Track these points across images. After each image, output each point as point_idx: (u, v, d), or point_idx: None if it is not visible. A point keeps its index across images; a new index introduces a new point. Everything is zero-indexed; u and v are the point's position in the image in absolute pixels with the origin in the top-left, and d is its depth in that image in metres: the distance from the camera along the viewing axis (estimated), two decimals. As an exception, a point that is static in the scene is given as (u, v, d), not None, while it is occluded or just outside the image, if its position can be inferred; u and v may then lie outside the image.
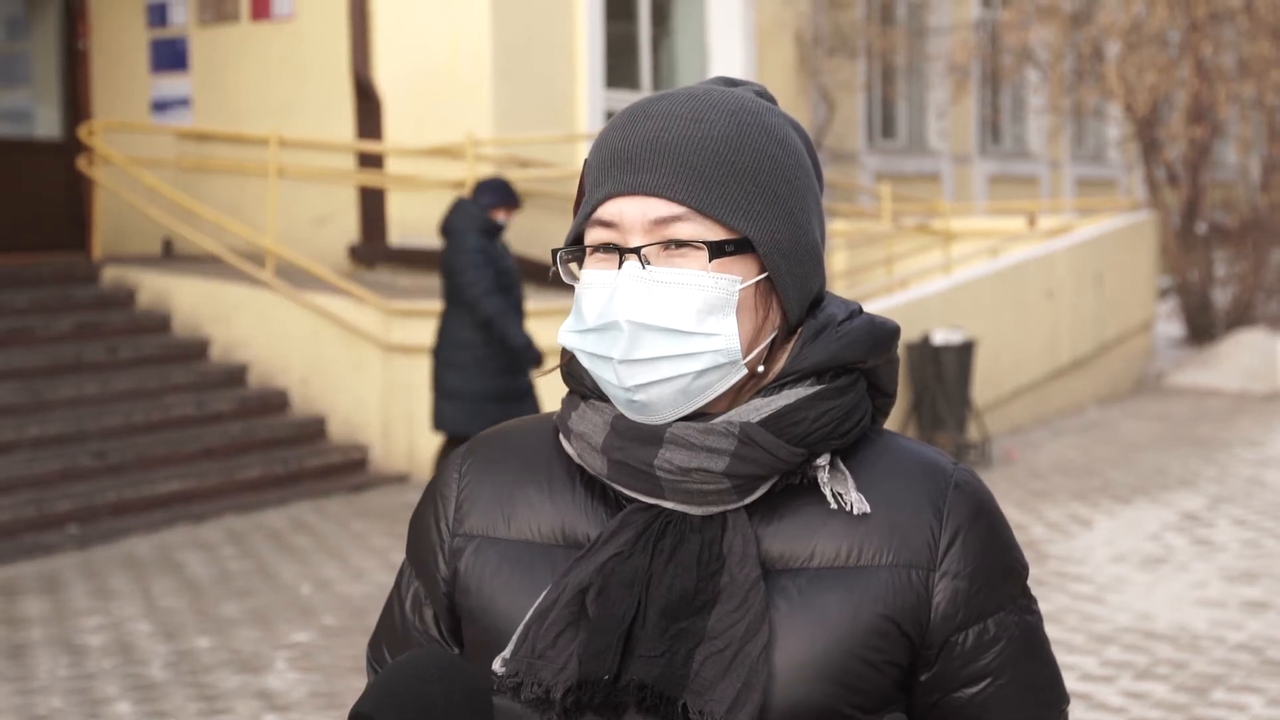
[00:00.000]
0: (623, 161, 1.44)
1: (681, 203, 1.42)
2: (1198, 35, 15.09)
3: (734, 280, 1.42)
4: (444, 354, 7.95)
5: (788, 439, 1.43)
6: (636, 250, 1.42)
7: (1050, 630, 6.50)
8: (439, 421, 7.93)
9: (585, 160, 1.50)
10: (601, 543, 1.45)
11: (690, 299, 1.41)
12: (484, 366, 7.83)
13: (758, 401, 1.45)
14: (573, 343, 1.47)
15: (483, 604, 1.51)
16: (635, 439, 1.45)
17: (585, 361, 1.47)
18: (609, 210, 1.44)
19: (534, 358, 7.81)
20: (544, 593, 1.45)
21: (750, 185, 1.44)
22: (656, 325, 1.41)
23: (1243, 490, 9.46)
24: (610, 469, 1.47)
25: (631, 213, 1.43)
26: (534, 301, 9.96)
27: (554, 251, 1.49)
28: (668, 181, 1.42)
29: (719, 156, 1.43)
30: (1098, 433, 11.77)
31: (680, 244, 1.42)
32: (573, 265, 1.49)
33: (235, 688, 5.90)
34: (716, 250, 1.42)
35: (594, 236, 1.46)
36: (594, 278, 1.45)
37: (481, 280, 7.78)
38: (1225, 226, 16.37)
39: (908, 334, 10.28)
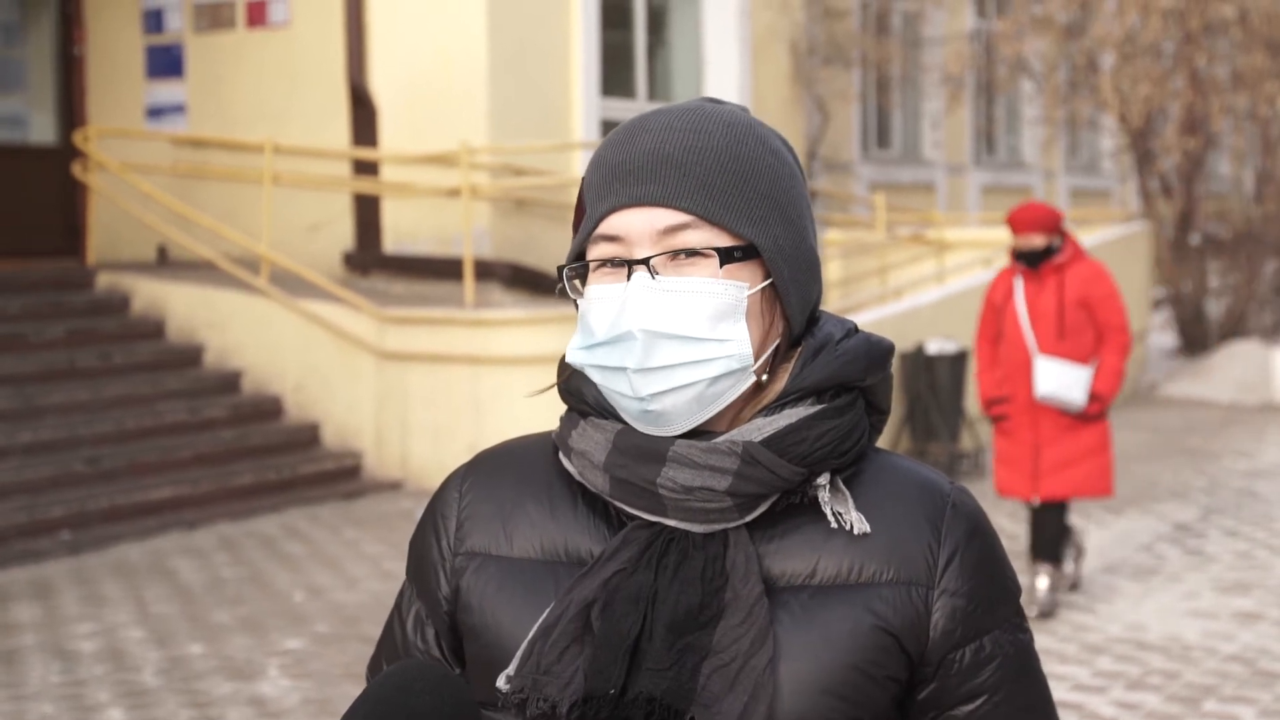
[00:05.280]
0: (625, 175, 1.45)
1: (688, 211, 1.43)
2: (1192, 47, 15.12)
3: (742, 286, 1.44)
4: None
5: (789, 458, 1.45)
6: (645, 261, 1.43)
7: (1042, 640, 6.52)
8: None
9: (583, 178, 1.50)
10: (605, 559, 1.46)
11: (702, 306, 1.42)
12: None
13: (759, 421, 1.46)
14: (582, 359, 1.47)
15: (485, 621, 1.51)
16: (638, 457, 1.45)
17: (596, 376, 1.47)
18: (614, 224, 1.45)
19: None
20: (548, 609, 1.46)
21: (751, 193, 1.45)
22: (670, 333, 1.42)
23: (1234, 501, 9.47)
24: (612, 486, 1.47)
25: (638, 224, 1.44)
26: (526, 310, 9.97)
27: (560, 269, 1.49)
28: (672, 191, 1.43)
29: (721, 165, 1.45)
30: (1091, 443, 11.75)
31: (690, 253, 1.43)
32: (576, 282, 1.49)
33: (227, 694, 5.89)
34: (726, 256, 1.43)
35: (598, 251, 1.46)
36: (601, 292, 1.45)
37: None
38: (1219, 238, 16.40)
39: (901, 344, 10.28)
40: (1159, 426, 12.49)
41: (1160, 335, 16.66)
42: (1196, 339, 15.75)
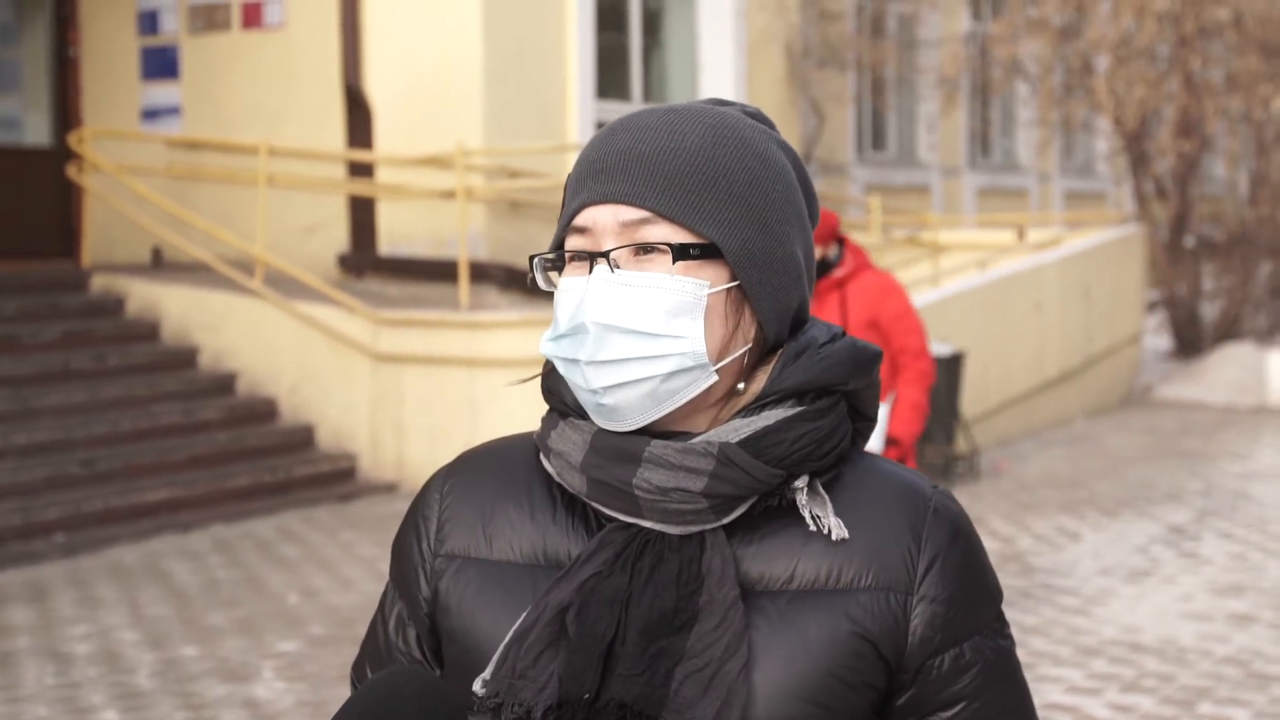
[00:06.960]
0: (598, 171, 1.46)
1: (649, 208, 1.44)
2: (1186, 50, 15.14)
3: (701, 284, 1.43)
4: None
5: (766, 460, 1.44)
6: (606, 254, 1.44)
7: (1037, 643, 6.53)
8: None
9: (569, 174, 1.52)
10: (581, 562, 1.45)
11: (656, 301, 1.42)
12: None
13: (737, 422, 1.46)
14: (549, 350, 1.48)
15: (464, 624, 1.51)
16: (614, 458, 1.45)
17: (560, 367, 1.48)
18: (584, 218, 1.46)
19: None
20: (525, 613, 1.46)
21: (723, 194, 1.45)
22: (622, 327, 1.42)
23: (1229, 503, 9.48)
24: (589, 487, 1.47)
25: (603, 219, 1.45)
26: (521, 312, 9.98)
27: (531, 258, 1.51)
28: (638, 189, 1.44)
29: (691, 165, 1.45)
30: (1085, 445, 11.79)
31: (648, 248, 1.43)
32: (553, 274, 1.51)
33: (222, 697, 5.89)
34: (681, 253, 1.43)
35: (571, 244, 1.48)
36: (568, 284, 1.47)
37: None
38: (1213, 240, 16.42)
39: (896, 346, 10.25)
40: (1153, 429, 12.51)
41: (1155, 338, 16.68)
42: (1191, 341, 15.77)
